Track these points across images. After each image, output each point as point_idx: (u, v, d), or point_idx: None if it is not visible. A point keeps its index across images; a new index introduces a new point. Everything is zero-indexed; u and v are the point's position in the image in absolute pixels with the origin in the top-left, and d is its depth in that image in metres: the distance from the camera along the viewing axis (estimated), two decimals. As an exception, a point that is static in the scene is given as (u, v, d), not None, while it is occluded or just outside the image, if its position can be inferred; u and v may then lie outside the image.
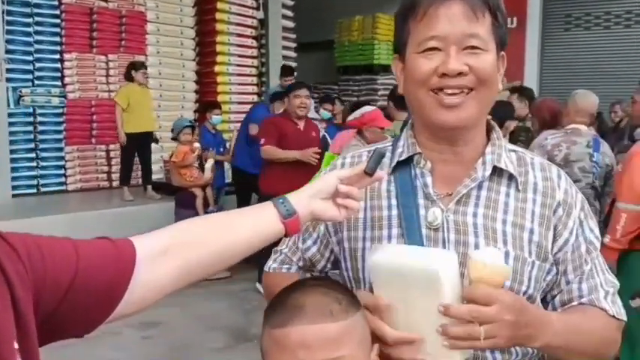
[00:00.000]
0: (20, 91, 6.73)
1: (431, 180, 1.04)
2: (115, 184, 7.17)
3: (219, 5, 8.08)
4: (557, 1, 9.02)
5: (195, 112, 8.09)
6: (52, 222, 5.39)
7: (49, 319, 0.72)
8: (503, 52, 1.03)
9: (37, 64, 6.87)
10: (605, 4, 8.70)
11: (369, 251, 1.02)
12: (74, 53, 7.09)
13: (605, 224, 3.13)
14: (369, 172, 0.95)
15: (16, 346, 0.64)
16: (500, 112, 3.81)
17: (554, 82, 8.79)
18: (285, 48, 8.95)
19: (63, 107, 7.09)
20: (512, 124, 4.06)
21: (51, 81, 6.99)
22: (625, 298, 2.81)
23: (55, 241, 0.76)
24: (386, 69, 9.53)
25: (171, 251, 0.85)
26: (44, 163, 6.97)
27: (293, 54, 9.11)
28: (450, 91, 0.97)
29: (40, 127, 6.94)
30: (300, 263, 1.18)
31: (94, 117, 7.29)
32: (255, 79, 8.69)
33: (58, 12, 6.98)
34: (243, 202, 5.84)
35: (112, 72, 7.35)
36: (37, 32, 6.82)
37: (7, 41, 6.52)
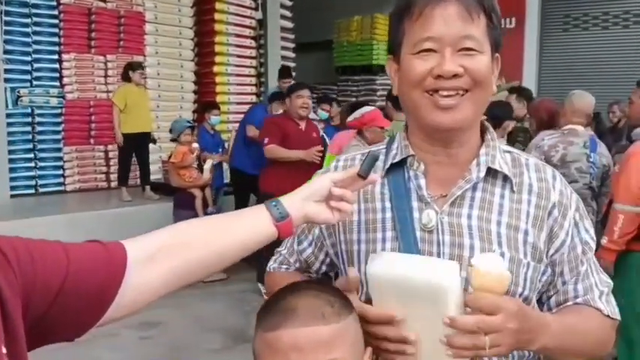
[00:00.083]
0: (18, 92, 6.72)
1: (424, 182, 1.04)
2: (114, 184, 7.16)
3: (218, 5, 8.07)
4: (556, 1, 9.02)
5: (193, 112, 8.08)
6: (51, 222, 5.39)
7: (39, 322, 0.72)
8: (497, 54, 1.02)
9: (36, 65, 6.85)
10: (603, 4, 8.70)
11: (366, 257, 1.02)
12: (72, 53, 7.08)
13: (602, 224, 3.13)
14: (363, 175, 0.95)
15: (4, 350, 0.64)
16: (499, 113, 3.81)
17: (552, 82, 8.79)
18: (283, 48, 8.95)
19: (61, 108, 7.08)
20: (510, 125, 4.06)
21: (49, 81, 6.98)
22: (623, 298, 2.81)
23: (45, 244, 0.75)
24: (385, 69, 9.48)
25: (163, 254, 0.85)
26: (42, 164, 6.96)
27: (292, 54, 9.11)
28: (445, 93, 0.96)
29: (39, 128, 6.93)
30: (297, 265, 1.20)
31: (93, 117, 7.28)
32: (253, 80, 8.69)
33: (56, 12, 6.97)
34: (242, 202, 5.84)
35: (110, 72, 7.34)
36: (35, 32, 6.81)
37: (6, 41, 6.51)
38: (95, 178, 7.37)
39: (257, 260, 4.36)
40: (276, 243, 1.03)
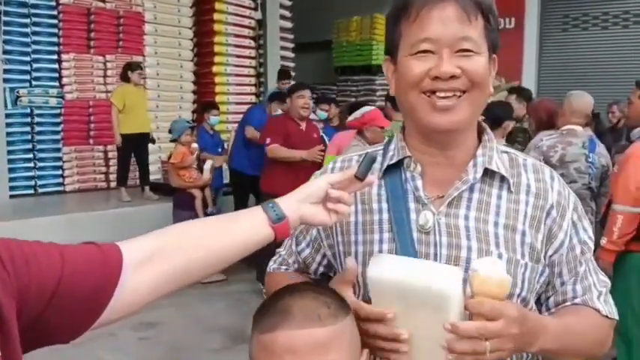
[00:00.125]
0: (18, 92, 6.72)
1: (421, 183, 1.04)
2: (113, 184, 7.16)
3: (217, 6, 8.07)
4: (556, 1, 9.01)
5: (193, 112, 8.08)
6: (50, 223, 5.40)
7: (34, 324, 0.72)
8: (494, 55, 1.02)
9: (35, 65, 6.86)
10: (603, 4, 8.69)
11: (364, 258, 1.02)
12: (72, 54, 7.08)
13: (601, 225, 3.13)
14: (360, 177, 0.95)
15: None
16: (499, 113, 3.81)
17: (552, 82, 8.79)
18: (283, 48, 8.95)
19: (60, 108, 7.08)
20: (510, 125, 4.06)
21: (48, 81, 6.98)
22: (622, 299, 2.82)
23: (39, 246, 0.75)
24: (384, 69, 9.50)
25: (158, 256, 0.84)
26: (42, 164, 6.96)
27: (291, 54, 9.11)
28: (442, 94, 0.96)
29: (38, 128, 6.93)
30: (296, 265, 1.20)
31: (92, 117, 7.28)
32: (253, 80, 8.68)
33: (55, 12, 6.97)
34: (241, 203, 5.84)
35: (109, 72, 7.34)
36: (34, 33, 6.81)
37: (5, 41, 6.52)
38: (94, 179, 7.37)
39: (256, 260, 4.36)
40: (274, 244, 1.02)
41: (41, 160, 6.95)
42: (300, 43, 9.43)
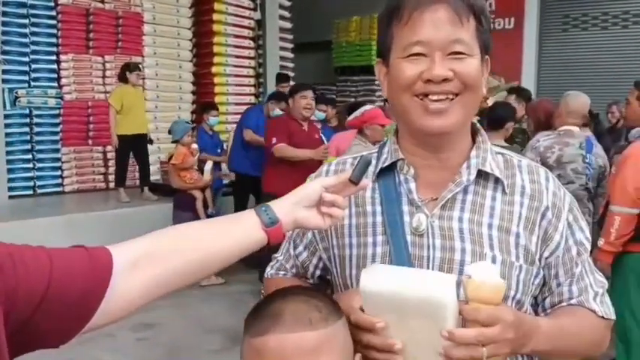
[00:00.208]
0: (16, 92, 6.71)
1: (415, 186, 1.03)
2: (112, 185, 7.14)
3: (217, 6, 8.06)
4: (555, 1, 9.01)
5: (192, 113, 8.08)
6: (49, 223, 5.39)
7: (23, 329, 0.71)
8: (487, 56, 1.02)
9: (34, 65, 6.85)
10: (602, 4, 8.68)
11: (358, 261, 1.02)
12: (70, 54, 7.07)
13: (599, 226, 3.12)
14: (355, 181, 0.94)
15: None
16: (502, 114, 3.80)
17: (551, 82, 8.78)
18: (282, 49, 8.95)
19: (59, 108, 7.07)
20: (512, 126, 4.06)
21: (47, 82, 6.97)
22: (620, 300, 2.81)
23: (28, 249, 0.75)
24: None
25: (149, 260, 0.84)
26: (40, 165, 6.95)
27: (290, 55, 9.11)
28: (435, 97, 0.96)
29: (37, 129, 6.92)
30: (294, 270, 1.19)
31: (91, 118, 7.27)
32: (252, 80, 8.68)
33: (54, 13, 6.96)
34: (241, 204, 5.84)
35: (108, 73, 7.33)
36: (33, 33, 6.80)
37: (3, 42, 6.51)
38: (93, 179, 7.36)
39: (260, 261, 4.35)
40: (276, 246, 1.02)
41: (40, 160, 6.94)
42: (300, 44, 9.42)
